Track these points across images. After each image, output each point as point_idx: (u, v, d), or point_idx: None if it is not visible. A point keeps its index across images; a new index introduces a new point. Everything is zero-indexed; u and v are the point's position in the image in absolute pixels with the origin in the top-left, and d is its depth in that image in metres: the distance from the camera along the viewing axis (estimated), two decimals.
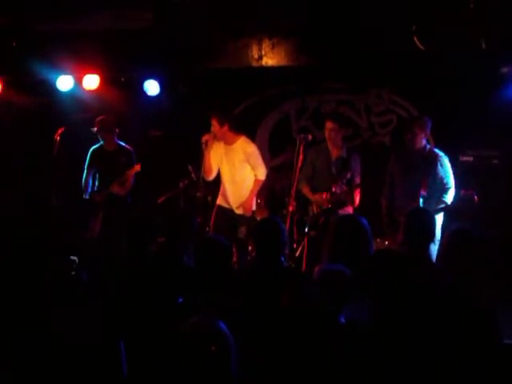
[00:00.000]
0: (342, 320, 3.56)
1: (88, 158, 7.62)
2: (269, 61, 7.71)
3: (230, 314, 3.20)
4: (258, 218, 7.00)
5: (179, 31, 7.54)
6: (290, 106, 8.81)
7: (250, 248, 6.99)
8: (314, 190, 6.98)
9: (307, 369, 3.00)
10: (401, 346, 3.21)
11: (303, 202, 7.21)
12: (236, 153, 7.04)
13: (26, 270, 4.47)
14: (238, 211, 7.10)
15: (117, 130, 7.57)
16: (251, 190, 7.08)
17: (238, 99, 8.77)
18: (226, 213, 7.14)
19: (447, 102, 7.74)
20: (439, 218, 6.41)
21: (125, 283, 4.39)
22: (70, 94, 8.32)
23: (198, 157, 7.09)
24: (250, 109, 8.82)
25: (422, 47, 6.79)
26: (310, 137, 6.88)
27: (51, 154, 7.35)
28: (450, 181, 6.60)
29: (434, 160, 6.58)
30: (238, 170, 7.08)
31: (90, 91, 8.22)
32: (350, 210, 6.81)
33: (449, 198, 6.56)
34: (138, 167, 7.43)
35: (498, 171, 7.39)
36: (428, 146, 6.74)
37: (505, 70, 7.33)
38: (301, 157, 6.75)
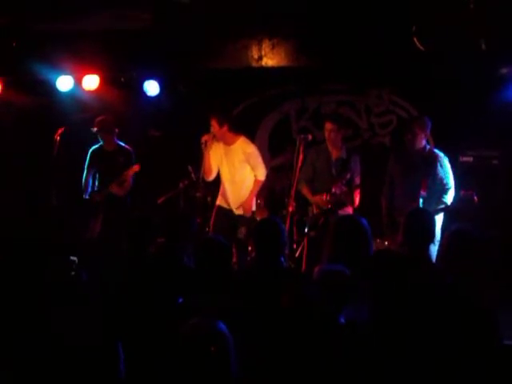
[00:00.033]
0: (342, 320, 3.56)
1: (88, 158, 7.62)
2: (269, 61, 7.71)
3: (230, 315, 3.20)
4: (258, 219, 7.00)
5: (179, 31, 7.54)
6: (290, 107, 8.82)
7: (249, 248, 6.99)
8: (314, 191, 6.98)
9: (307, 369, 3.00)
10: (401, 346, 3.21)
11: (303, 203, 7.21)
12: (236, 153, 7.04)
13: (26, 270, 4.47)
14: (238, 211, 7.10)
15: (116, 131, 7.57)
16: (251, 191, 7.08)
17: (237, 99, 8.77)
18: (226, 213, 7.14)
19: (447, 103, 7.74)
20: (439, 219, 6.40)
21: (125, 283, 4.40)
22: (70, 94, 8.31)
23: (197, 157, 7.09)
24: (250, 109, 8.82)
25: (421, 48, 6.80)
26: (309, 137, 6.88)
27: (51, 154, 7.34)
28: (450, 181, 6.60)
29: (433, 160, 6.58)
30: (237, 170, 7.08)
31: (90, 91, 8.22)
32: (349, 210, 6.81)
33: (449, 198, 6.56)
34: (136, 167, 7.42)
35: (497, 172, 7.39)
36: (428, 147, 6.74)
37: (504, 70, 7.32)
38: (301, 156, 6.75)
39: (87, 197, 7.60)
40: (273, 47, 7.69)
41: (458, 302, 3.51)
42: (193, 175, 7.50)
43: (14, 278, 4.32)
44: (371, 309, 3.38)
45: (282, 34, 7.64)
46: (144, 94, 8.30)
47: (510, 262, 6.73)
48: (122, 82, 8.31)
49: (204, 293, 3.94)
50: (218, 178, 7.21)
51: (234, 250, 6.79)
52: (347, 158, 6.97)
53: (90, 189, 7.61)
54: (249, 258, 6.96)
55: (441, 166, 6.58)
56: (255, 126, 8.78)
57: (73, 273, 3.82)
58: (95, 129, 7.46)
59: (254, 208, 7.21)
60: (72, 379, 3.11)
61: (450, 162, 6.68)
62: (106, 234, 7.32)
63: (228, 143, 7.06)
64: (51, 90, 8.26)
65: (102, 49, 7.78)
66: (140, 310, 4.11)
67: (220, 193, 7.23)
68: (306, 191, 7.02)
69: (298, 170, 6.73)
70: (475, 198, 6.81)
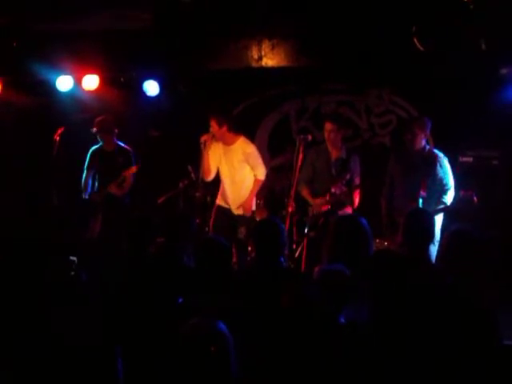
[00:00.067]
0: (342, 320, 3.56)
1: (88, 158, 7.62)
2: (269, 61, 7.71)
3: (230, 315, 3.20)
4: (258, 219, 7.01)
5: (179, 31, 7.54)
6: (290, 107, 8.81)
7: (249, 248, 6.99)
8: (314, 192, 6.98)
9: (307, 369, 3.00)
10: (401, 346, 3.21)
11: (303, 203, 7.21)
12: (235, 153, 7.04)
13: (26, 270, 4.47)
14: (238, 211, 7.10)
15: (116, 131, 7.57)
16: (251, 191, 7.09)
17: (237, 100, 8.77)
18: (226, 213, 7.14)
19: (447, 103, 7.74)
20: (439, 219, 6.40)
21: (125, 283, 4.39)
22: (70, 95, 8.31)
23: (197, 157, 7.10)
24: (250, 109, 8.82)
25: (421, 48, 6.79)
26: (309, 137, 6.88)
27: (51, 154, 7.35)
28: (450, 181, 6.60)
29: (433, 161, 6.58)
30: (237, 170, 7.08)
31: (90, 91, 8.22)
32: (349, 210, 6.81)
33: (448, 198, 6.56)
34: (134, 168, 7.42)
35: (497, 172, 7.38)
36: (428, 147, 6.73)
37: (504, 70, 7.32)
38: (300, 156, 6.75)
39: (87, 197, 7.60)
40: (273, 47, 7.69)
41: (457, 303, 3.51)
42: (192, 175, 7.51)
43: (14, 278, 4.32)
44: (371, 309, 3.38)
45: (281, 34, 7.64)
46: (144, 94, 8.30)
47: (510, 262, 6.73)
48: (122, 82, 8.30)
49: (204, 293, 3.94)
50: (218, 177, 7.22)
51: (233, 250, 6.79)
52: (347, 158, 6.97)
53: (89, 189, 7.61)
54: (249, 258, 6.96)
55: (440, 166, 6.58)
56: (255, 126, 8.77)
57: (73, 273, 3.82)
58: (95, 129, 7.46)
59: (253, 208, 7.21)
60: (72, 379, 3.11)
61: (450, 162, 6.68)
62: (105, 234, 7.31)
63: (227, 143, 7.06)
64: (51, 90, 8.26)
65: (101, 49, 7.78)
66: (140, 310, 4.11)
67: (220, 193, 7.23)
68: (305, 193, 7.01)
69: (297, 170, 6.73)
70: (475, 198, 6.81)
